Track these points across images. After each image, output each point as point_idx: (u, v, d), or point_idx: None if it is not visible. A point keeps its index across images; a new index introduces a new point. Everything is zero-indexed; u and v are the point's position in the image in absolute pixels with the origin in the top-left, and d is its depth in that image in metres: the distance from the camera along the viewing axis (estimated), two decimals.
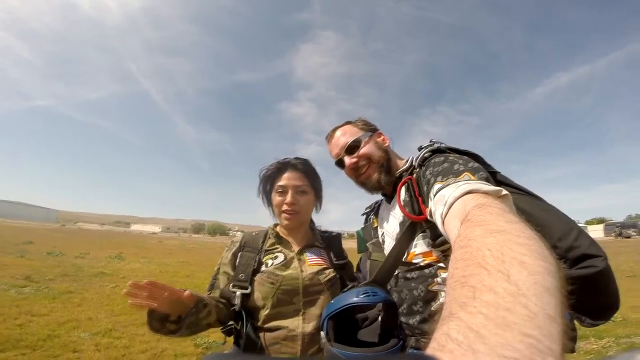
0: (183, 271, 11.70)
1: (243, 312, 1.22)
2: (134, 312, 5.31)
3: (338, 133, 1.31)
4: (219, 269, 1.38)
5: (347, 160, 1.24)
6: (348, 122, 1.34)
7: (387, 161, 1.23)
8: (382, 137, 1.30)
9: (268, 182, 1.45)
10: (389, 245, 1.17)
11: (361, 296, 0.95)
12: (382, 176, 1.20)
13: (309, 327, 1.19)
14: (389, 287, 1.13)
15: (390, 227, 1.18)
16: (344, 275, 1.37)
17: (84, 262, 11.52)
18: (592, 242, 0.85)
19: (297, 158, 1.45)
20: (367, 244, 1.36)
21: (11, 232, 23.33)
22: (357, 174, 1.25)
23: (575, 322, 0.89)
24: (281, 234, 1.44)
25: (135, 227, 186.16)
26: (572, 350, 0.86)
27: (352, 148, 1.24)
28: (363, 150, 1.23)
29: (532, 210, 0.91)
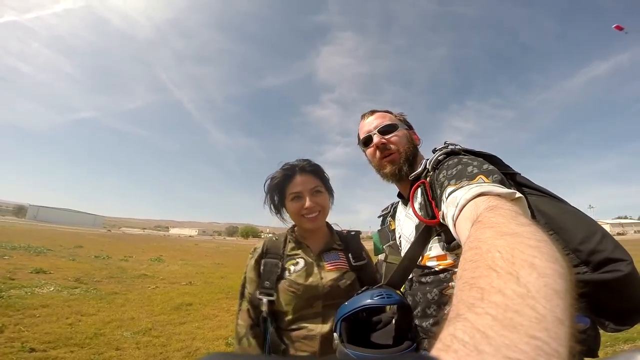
0: (218, 272, 12.13)
1: (268, 318, 1.30)
2: (172, 312, 5.62)
3: (375, 115, 1.28)
4: (245, 277, 1.42)
5: (377, 138, 1.21)
6: (388, 111, 1.31)
7: (413, 156, 1.21)
8: (415, 136, 1.29)
9: (276, 191, 1.44)
10: (405, 248, 1.15)
11: (375, 298, 0.94)
12: (404, 166, 1.17)
13: (327, 327, 1.25)
14: (403, 291, 1.11)
15: (407, 230, 1.16)
16: (363, 276, 1.38)
17: (127, 264, 12.27)
18: (617, 245, 0.78)
19: (300, 160, 1.45)
20: (384, 246, 1.34)
21: (63, 237, 25.32)
22: (382, 155, 1.21)
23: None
24: (300, 238, 1.45)
25: (173, 231, 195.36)
26: (594, 355, 0.81)
27: (385, 131, 1.21)
28: (395, 136, 1.21)
29: (553, 213, 0.86)
